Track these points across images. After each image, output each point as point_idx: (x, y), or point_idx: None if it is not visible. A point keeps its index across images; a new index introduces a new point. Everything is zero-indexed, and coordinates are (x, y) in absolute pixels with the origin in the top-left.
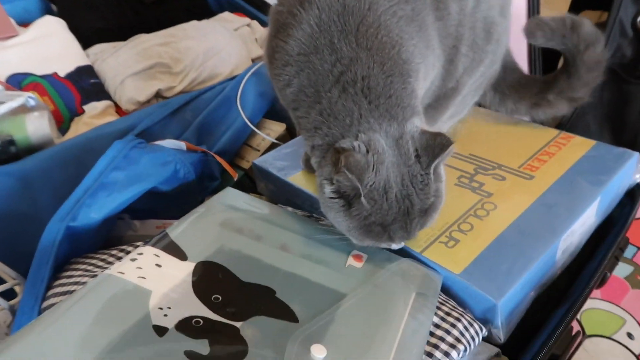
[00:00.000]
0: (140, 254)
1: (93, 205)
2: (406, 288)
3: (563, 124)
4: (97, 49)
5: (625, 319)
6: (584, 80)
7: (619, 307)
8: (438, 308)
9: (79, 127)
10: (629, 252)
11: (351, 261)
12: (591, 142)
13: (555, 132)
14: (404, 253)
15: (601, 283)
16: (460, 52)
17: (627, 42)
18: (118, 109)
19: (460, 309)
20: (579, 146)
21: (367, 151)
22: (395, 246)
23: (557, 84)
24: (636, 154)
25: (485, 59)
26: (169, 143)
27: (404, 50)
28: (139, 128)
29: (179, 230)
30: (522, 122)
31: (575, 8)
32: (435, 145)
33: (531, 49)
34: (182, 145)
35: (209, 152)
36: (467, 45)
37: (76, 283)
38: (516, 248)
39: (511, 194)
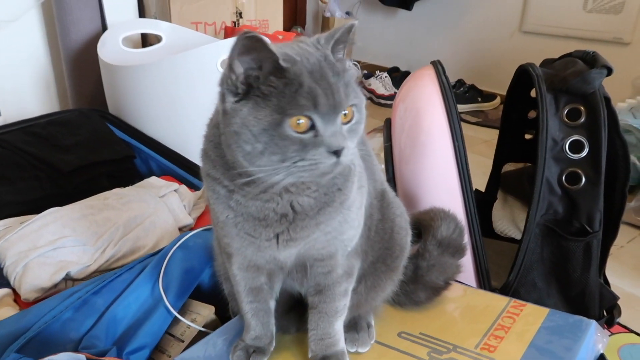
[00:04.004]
0: None
1: None
2: None
3: (508, 285)
4: (1, 225)
5: None
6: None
7: None
8: None
9: None
10: None
11: None
12: (544, 311)
13: (505, 300)
14: None
15: None
16: (388, 195)
17: (557, 200)
18: (17, 297)
19: None
20: (533, 316)
21: None
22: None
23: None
24: (593, 322)
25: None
26: (64, 357)
27: None
28: (32, 330)
29: None
30: (469, 290)
31: (498, 160)
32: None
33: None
34: (81, 358)
35: None
36: (391, 197)
37: None
38: None
39: None
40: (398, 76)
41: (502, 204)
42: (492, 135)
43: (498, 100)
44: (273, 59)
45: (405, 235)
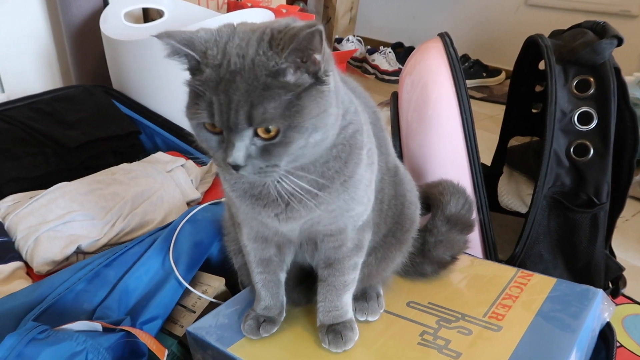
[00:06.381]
0: None
1: None
2: None
3: (515, 257)
4: (11, 200)
5: None
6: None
7: None
8: None
9: None
10: None
11: None
12: (552, 280)
13: (512, 270)
14: None
15: None
16: (400, 170)
17: (564, 172)
18: (29, 270)
19: None
20: (540, 286)
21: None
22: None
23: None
24: (600, 291)
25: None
26: (80, 325)
27: None
28: (47, 301)
29: None
30: (476, 261)
31: (505, 134)
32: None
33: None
34: (97, 326)
35: (131, 330)
36: (402, 173)
37: None
38: None
39: (482, 352)
40: (402, 52)
41: (508, 178)
42: (497, 110)
43: (503, 75)
44: (195, 60)
45: (415, 209)
